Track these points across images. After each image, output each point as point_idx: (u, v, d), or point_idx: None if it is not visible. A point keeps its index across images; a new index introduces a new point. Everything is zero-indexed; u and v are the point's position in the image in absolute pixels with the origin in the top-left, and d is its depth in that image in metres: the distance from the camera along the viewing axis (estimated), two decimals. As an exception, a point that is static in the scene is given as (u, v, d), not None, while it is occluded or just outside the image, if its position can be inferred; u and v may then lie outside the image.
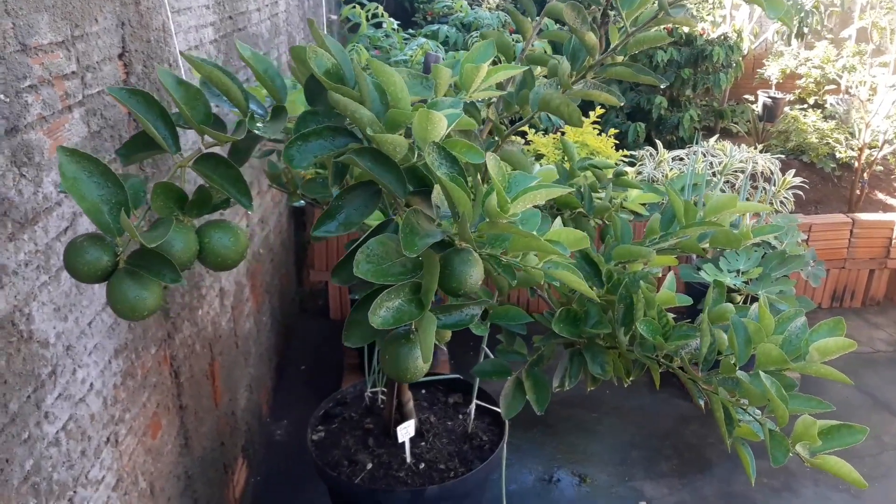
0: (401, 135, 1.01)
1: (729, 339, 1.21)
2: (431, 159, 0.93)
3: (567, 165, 2.04)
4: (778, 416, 1.08)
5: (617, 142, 4.16)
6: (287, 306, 3.73)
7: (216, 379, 2.31)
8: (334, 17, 5.30)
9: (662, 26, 1.49)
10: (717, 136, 4.27)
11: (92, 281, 0.94)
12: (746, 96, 7.54)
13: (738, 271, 2.83)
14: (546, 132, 4.45)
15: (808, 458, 1.08)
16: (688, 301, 1.41)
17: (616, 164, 3.97)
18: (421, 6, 4.67)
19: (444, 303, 1.22)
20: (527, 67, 1.33)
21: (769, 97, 7.21)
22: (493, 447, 2.07)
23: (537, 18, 1.75)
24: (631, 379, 1.49)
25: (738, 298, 2.87)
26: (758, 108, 7.28)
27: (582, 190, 1.94)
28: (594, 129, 3.99)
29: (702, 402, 1.25)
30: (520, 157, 1.47)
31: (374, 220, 1.47)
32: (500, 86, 1.77)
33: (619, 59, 1.58)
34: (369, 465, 2.00)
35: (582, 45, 1.36)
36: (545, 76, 1.70)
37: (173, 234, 0.95)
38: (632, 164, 4.25)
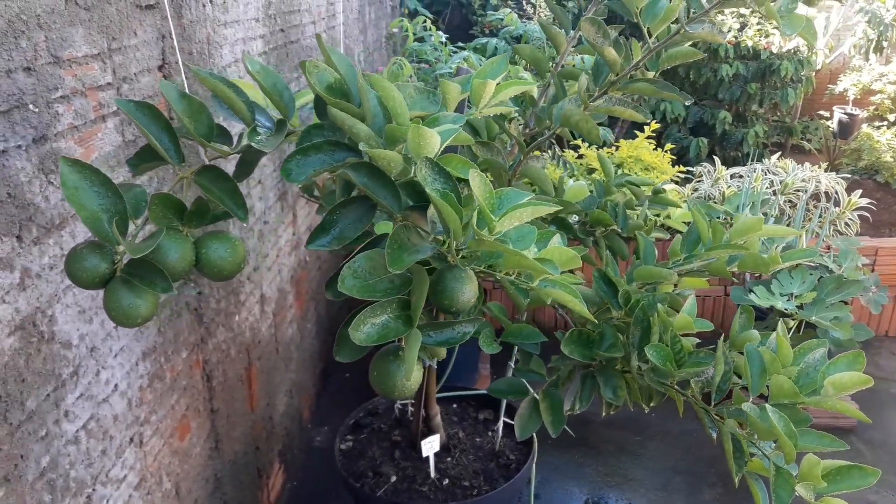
0: (400, 150, 1.01)
1: (743, 369, 1.15)
2: (423, 175, 0.92)
3: (604, 181, 2.00)
4: (785, 452, 1.02)
5: (674, 157, 4.06)
6: (335, 313, 3.77)
7: (253, 384, 2.35)
8: (395, 29, 5.36)
9: (721, 41, 1.44)
10: (779, 153, 4.12)
11: (91, 287, 0.96)
12: (822, 112, 7.28)
13: (790, 295, 2.71)
14: (603, 146, 4.38)
15: (811, 499, 1.02)
16: (708, 326, 1.36)
17: (672, 179, 3.88)
18: (479, 20, 4.69)
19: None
20: (537, 83, 1.31)
21: (845, 113, 6.93)
22: (520, 466, 2.04)
23: (572, 32, 1.73)
24: (653, 405, 1.44)
25: (791, 323, 2.75)
26: (833, 124, 7.01)
27: (617, 208, 1.90)
28: (649, 143, 3.91)
29: (713, 434, 1.20)
30: (540, 174, 1.45)
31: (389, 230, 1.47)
32: (532, 101, 1.76)
33: (651, 74, 1.54)
34: (393, 478, 2.00)
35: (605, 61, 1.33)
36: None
37: (168, 244, 0.97)
38: (689, 181, 4.14)
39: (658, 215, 2.30)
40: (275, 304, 2.61)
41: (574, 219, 1.95)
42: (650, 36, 1.30)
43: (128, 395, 1.53)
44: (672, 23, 1.29)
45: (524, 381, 1.57)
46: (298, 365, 2.98)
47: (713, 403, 1.20)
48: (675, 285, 1.63)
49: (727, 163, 5.45)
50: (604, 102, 1.39)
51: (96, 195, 0.92)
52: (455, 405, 2.35)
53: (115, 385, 1.48)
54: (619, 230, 1.86)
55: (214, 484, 2.02)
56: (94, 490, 1.40)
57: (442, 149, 0.98)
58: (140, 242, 0.92)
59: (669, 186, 2.90)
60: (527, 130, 1.73)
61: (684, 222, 2.25)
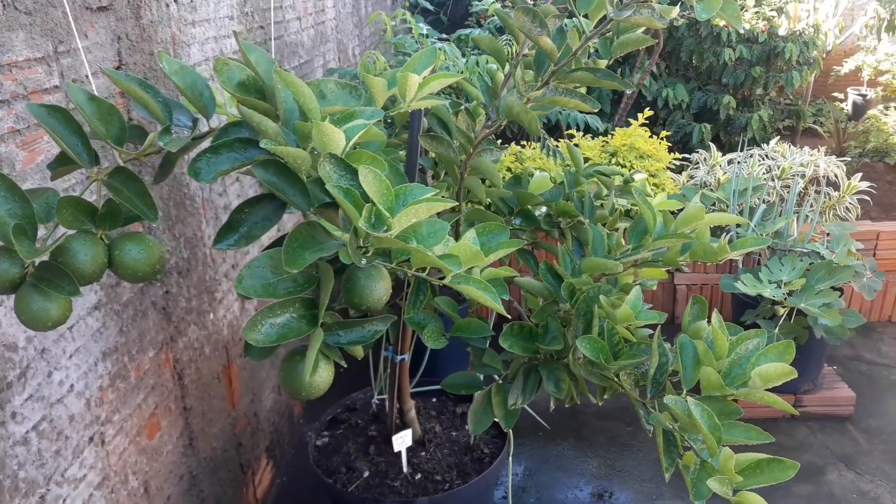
0: (313, 147, 1.00)
1: (678, 361, 1.13)
2: (325, 171, 0.91)
3: (574, 171, 1.97)
4: (707, 446, 1.00)
5: (670, 144, 4.01)
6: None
7: (233, 381, 2.36)
8: (395, 22, 5.34)
9: (659, 26, 1.41)
10: (778, 138, 4.04)
11: (1, 292, 0.97)
12: (836, 94, 7.15)
13: (780, 282, 2.66)
14: (602, 134, 4.32)
15: (728, 494, 1.00)
16: (655, 319, 1.33)
17: (668, 167, 3.83)
18: (474, 12, 4.68)
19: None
20: (462, 76, 1.29)
21: (859, 95, 6.80)
22: (493, 460, 2.03)
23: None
24: (606, 397, 1.42)
25: (781, 311, 2.71)
26: (847, 106, 6.88)
27: (584, 198, 1.87)
28: (644, 130, 3.86)
29: (650, 429, 1.17)
30: (489, 167, 1.43)
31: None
32: (493, 92, 1.74)
33: (603, 63, 1.52)
34: (366, 474, 2.00)
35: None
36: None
37: (78, 247, 0.96)
38: (684, 168, 4.09)
39: (634, 205, 2.27)
40: (257, 301, 2.61)
41: (542, 210, 1.93)
42: (583, 24, 1.27)
43: (86, 396, 1.54)
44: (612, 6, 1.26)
45: (479, 375, 1.56)
46: (288, 360, 2.99)
47: (649, 396, 1.18)
48: (635, 275, 1.61)
49: (732, 148, 5.37)
50: (549, 93, 1.37)
51: (2, 200, 0.92)
52: (434, 399, 2.34)
53: (71, 385, 1.50)
54: (584, 221, 1.84)
55: (189, 481, 2.04)
56: (48, 490, 1.41)
57: (350, 145, 0.96)
58: (37, 247, 0.92)
59: (639, 177, 2.83)
60: (489, 122, 1.71)
61: (661, 211, 2.21)
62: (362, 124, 0.96)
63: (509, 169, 3.75)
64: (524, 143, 4.02)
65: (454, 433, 2.16)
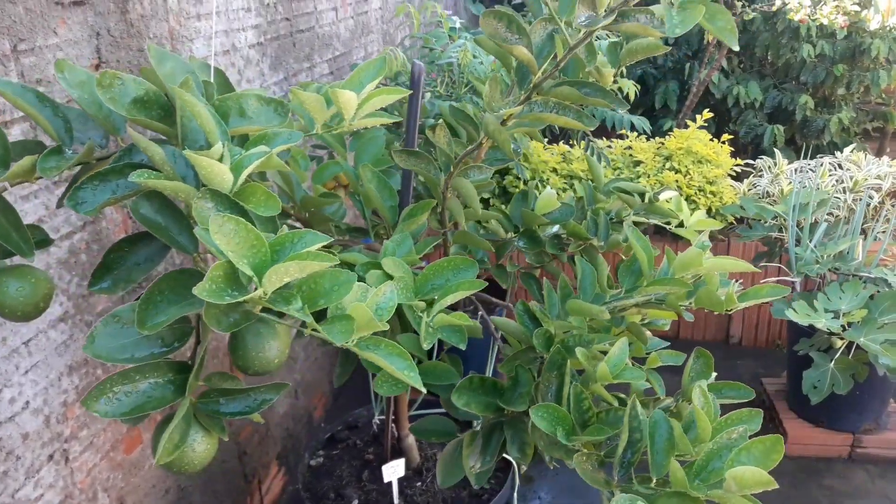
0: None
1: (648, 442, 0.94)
2: (201, 210, 0.78)
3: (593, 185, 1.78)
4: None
5: (733, 148, 3.71)
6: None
7: (236, 388, 2.28)
8: (450, 12, 5.17)
9: (656, 34, 1.22)
10: (855, 145, 3.68)
11: None
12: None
13: (837, 312, 2.39)
14: (653, 136, 4.04)
15: None
16: (638, 378, 1.13)
17: (729, 174, 3.55)
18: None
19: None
20: (409, 92, 1.11)
21: (959, 95, 6.22)
22: (493, 496, 1.87)
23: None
24: (561, 462, 1.24)
25: (839, 344, 2.43)
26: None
27: (598, 218, 1.68)
28: (703, 133, 3.58)
29: (616, 516, 0.99)
30: (468, 189, 1.27)
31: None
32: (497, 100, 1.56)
33: (609, 72, 1.34)
34: (355, 502, 1.88)
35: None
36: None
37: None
38: (744, 176, 3.78)
39: (668, 223, 2.06)
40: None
41: (555, 229, 1.75)
42: (566, 31, 1.08)
43: (44, 412, 1.47)
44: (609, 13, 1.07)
45: (452, 420, 1.40)
46: (308, 364, 2.91)
47: (616, 479, 0.99)
48: (644, 315, 1.41)
49: (808, 152, 4.97)
50: (535, 108, 1.19)
51: None
52: (441, 421, 2.20)
53: (26, 402, 1.42)
54: (597, 245, 1.65)
55: (177, 494, 1.96)
56: (-9, 514, 1.34)
57: (244, 176, 0.82)
58: None
59: (666, 195, 2.58)
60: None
61: (697, 231, 1.99)
62: (259, 153, 0.81)
63: (555, 170, 3.55)
64: (573, 142, 3.80)
65: (455, 462, 2.01)
